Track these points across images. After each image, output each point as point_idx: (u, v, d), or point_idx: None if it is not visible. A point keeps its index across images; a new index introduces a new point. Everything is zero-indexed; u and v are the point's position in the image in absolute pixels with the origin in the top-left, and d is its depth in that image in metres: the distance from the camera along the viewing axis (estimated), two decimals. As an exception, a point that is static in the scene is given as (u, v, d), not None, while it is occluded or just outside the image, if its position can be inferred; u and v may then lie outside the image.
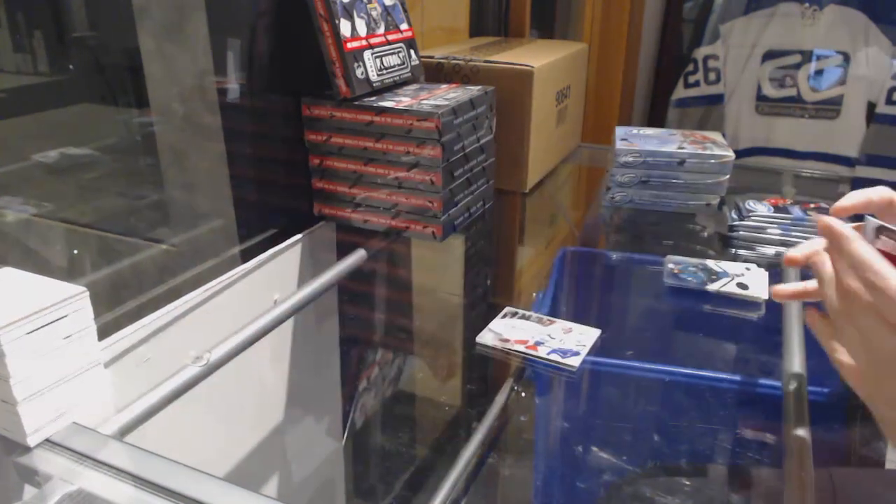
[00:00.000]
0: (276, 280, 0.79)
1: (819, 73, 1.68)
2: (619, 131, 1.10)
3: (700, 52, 1.78)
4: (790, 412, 0.60)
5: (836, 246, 0.48)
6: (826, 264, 0.50)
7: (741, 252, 0.96)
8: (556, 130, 1.16)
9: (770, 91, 1.73)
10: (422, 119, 0.74)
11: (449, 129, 0.76)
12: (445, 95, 0.81)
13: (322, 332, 0.94)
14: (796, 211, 0.96)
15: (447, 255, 1.15)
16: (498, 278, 1.22)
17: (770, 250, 0.96)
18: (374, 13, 0.82)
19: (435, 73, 1.02)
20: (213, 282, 0.69)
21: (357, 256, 0.80)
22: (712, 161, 0.99)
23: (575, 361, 0.72)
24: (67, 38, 0.74)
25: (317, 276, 0.74)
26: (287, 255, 0.80)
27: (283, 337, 0.84)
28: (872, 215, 0.49)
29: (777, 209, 0.96)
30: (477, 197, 0.88)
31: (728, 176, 1.00)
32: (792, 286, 0.58)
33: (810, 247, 0.52)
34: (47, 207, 0.68)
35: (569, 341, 0.76)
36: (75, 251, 0.70)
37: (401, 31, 0.87)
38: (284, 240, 0.80)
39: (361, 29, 0.79)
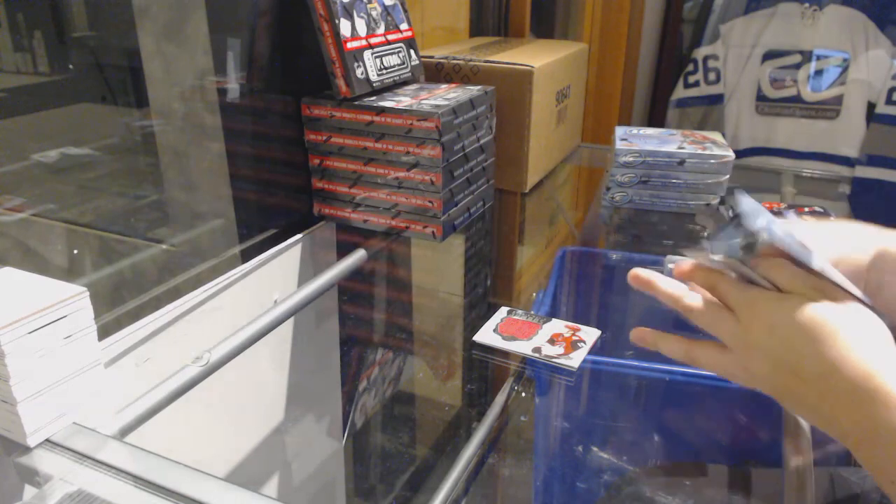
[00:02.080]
0: (276, 280, 0.79)
1: (819, 73, 1.68)
2: (619, 131, 1.10)
3: (700, 53, 1.78)
4: (790, 412, 0.59)
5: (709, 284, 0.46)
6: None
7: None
8: (555, 130, 1.16)
9: (770, 91, 1.73)
10: (422, 119, 0.74)
11: (449, 129, 0.76)
12: (445, 95, 0.81)
13: (322, 332, 0.94)
14: (790, 215, 0.96)
15: (447, 255, 1.14)
16: (498, 278, 1.22)
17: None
18: (374, 13, 0.82)
19: (435, 73, 1.02)
20: (213, 282, 0.69)
21: (357, 256, 0.80)
22: (712, 161, 0.99)
23: (575, 361, 0.72)
24: (67, 38, 0.74)
25: (317, 276, 0.74)
26: (287, 255, 0.80)
27: (283, 337, 0.84)
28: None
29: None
30: (477, 197, 0.88)
31: (728, 176, 1.00)
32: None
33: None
34: (47, 207, 0.68)
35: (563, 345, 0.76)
36: (75, 251, 0.70)
37: (401, 31, 0.87)
38: (284, 240, 0.80)
39: (361, 29, 0.79)
